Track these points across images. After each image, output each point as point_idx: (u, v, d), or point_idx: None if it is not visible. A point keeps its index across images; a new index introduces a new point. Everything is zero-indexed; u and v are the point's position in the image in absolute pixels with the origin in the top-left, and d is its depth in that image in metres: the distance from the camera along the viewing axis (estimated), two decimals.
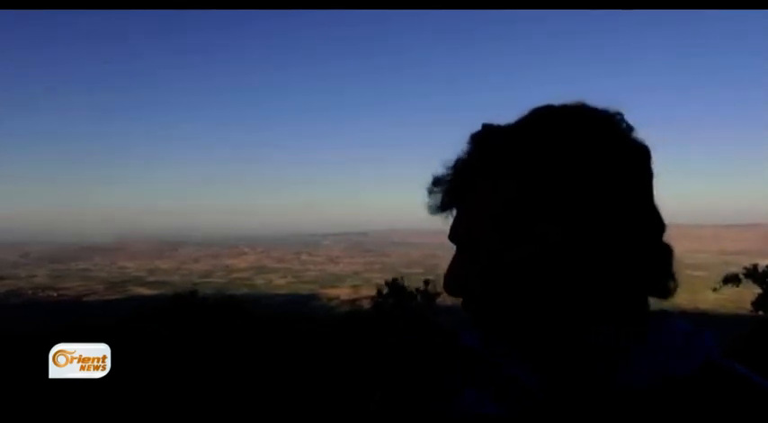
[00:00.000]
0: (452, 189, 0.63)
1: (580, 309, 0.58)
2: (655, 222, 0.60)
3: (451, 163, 0.63)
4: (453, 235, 0.64)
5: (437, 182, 0.65)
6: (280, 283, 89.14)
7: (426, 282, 10.11)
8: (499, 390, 0.63)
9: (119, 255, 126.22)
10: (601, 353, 0.58)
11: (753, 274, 9.18)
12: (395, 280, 9.95)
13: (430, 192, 0.65)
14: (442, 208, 0.65)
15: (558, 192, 0.57)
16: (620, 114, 0.61)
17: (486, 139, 0.62)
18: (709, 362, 0.58)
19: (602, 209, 0.57)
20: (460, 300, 0.64)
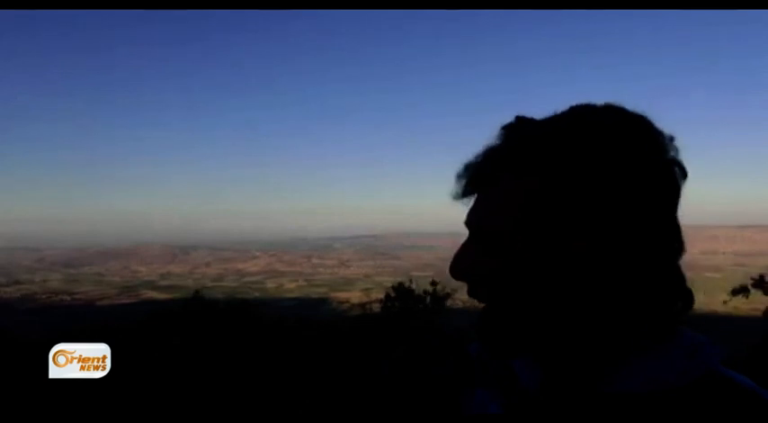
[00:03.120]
0: (475, 176, 0.62)
1: (586, 313, 0.58)
2: (675, 240, 0.59)
3: (481, 151, 0.62)
4: (470, 222, 0.62)
5: (467, 169, 0.63)
6: (291, 287, 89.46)
7: (434, 283, 10.05)
8: (501, 391, 0.64)
9: (132, 259, 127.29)
10: (600, 356, 0.58)
11: (760, 284, 9.03)
12: (401, 284, 9.92)
13: (458, 178, 0.63)
14: (463, 194, 0.63)
15: (582, 197, 0.55)
16: (653, 123, 0.59)
17: (518, 130, 0.60)
18: (710, 372, 0.57)
19: (625, 221, 0.55)
20: (467, 291, 0.63)
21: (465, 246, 0.62)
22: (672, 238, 0.59)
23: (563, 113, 0.60)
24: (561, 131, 0.57)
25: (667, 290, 0.59)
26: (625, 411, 0.56)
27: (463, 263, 0.61)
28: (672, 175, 0.58)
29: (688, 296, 0.60)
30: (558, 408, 0.59)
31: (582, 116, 0.59)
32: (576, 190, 0.55)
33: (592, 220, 0.55)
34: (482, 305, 0.61)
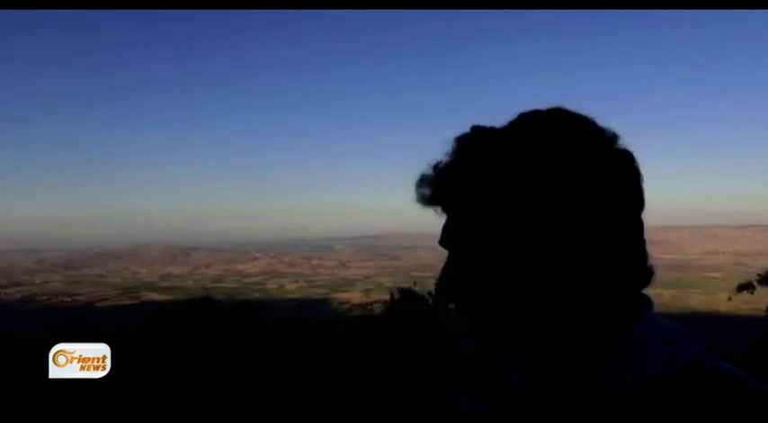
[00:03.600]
0: (443, 191, 0.62)
1: (571, 313, 0.59)
2: (639, 226, 0.61)
3: (439, 163, 0.63)
4: (446, 239, 0.63)
5: (424, 180, 0.64)
6: (291, 288, 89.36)
7: None
8: (491, 392, 0.65)
9: (132, 260, 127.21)
10: (587, 355, 0.60)
11: (766, 279, 9.01)
12: (406, 289, 9.93)
13: (418, 187, 0.64)
14: (431, 203, 0.64)
15: (552, 203, 0.57)
16: (599, 126, 0.61)
17: (478, 141, 0.61)
18: (694, 361, 0.58)
19: (597, 219, 0.57)
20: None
21: (447, 265, 0.62)
22: (637, 233, 0.61)
23: (518, 121, 0.61)
24: (524, 140, 0.58)
25: (640, 280, 0.61)
26: (616, 406, 0.57)
27: (448, 282, 0.62)
28: (630, 171, 0.61)
29: (648, 272, 0.62)
30: (550, 409, 0.61)
31: (537, 122, 0.60)
32: (546, 196, 0.57)
33: (562, 225, 0.57)
34: (469, 322, 0.62)
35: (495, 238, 0.58)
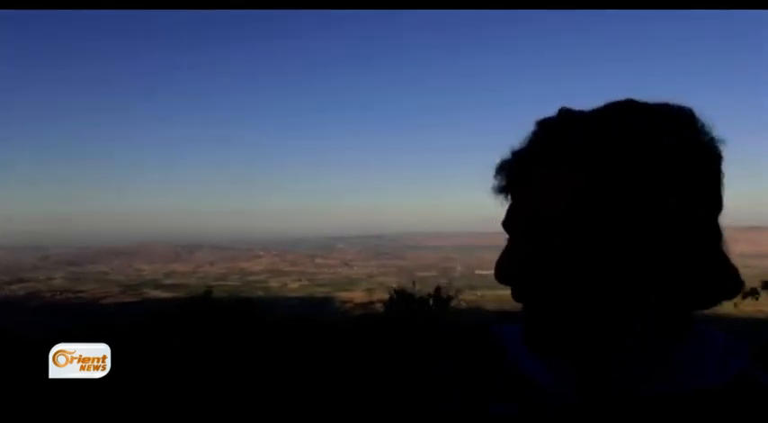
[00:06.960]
0: (516, 173, 0.60)
1: (625, 313, 0.56)
2: (716, 233, 0.59)
3: (518, 146, 0.61)
4: (510, 221, 0.61)
5: (503, 165, 0.62)
6: (294, 287, 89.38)
7: (438, 288, 10.08)
8: (519, 390, 0.63)
9: (136, 258, 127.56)
10: (634, 361, 0.57)
11: None
12: (403, 290, 9.93)
13: (497, 173, 0.62)
14: (503, 190, 0.62)
15: (632, 194, 0.54)
16: (698, 119, 0.59)
17: (560, 125, 0.59)
18: (743, 374, 0.57)
19: (672, 218, 0.55)
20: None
21: (509, 247, 0.60)
22: (716, 235, 0.59)
23: (605, 109, 0.59)
24: (607, 127, 0.56)
25: (709, 286, 0.58)
26: (663, 413, 0.55)
27: (510, 265, 0.59)
28: (716, 172, 0.58)
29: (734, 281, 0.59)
30: (591, 412, 0.58)
31: (625, 111, 0.58)
32: (626, 186, 0.54)
33: (640, 218, 0.54)
34: (524, 307, 0.60)
35: (563, 223, 0.55)
